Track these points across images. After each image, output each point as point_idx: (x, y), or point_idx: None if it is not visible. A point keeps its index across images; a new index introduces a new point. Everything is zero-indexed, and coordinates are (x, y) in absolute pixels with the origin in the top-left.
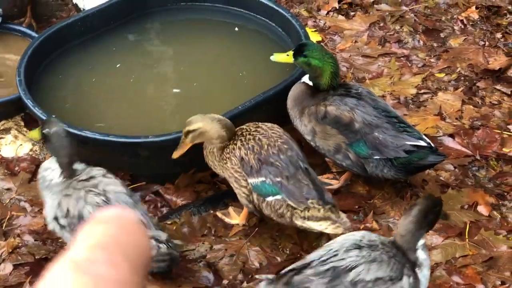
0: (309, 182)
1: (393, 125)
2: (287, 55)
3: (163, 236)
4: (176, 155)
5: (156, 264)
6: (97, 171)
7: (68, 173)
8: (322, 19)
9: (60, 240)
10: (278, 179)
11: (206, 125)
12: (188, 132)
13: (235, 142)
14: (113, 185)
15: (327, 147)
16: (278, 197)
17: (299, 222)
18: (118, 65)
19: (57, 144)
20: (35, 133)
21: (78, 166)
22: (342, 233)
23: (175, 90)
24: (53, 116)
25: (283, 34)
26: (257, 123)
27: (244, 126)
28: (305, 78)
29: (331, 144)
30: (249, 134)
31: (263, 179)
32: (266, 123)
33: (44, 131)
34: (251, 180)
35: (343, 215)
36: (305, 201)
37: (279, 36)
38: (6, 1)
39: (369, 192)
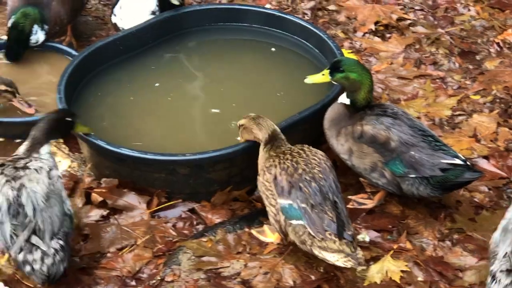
0: (333, 216)
1: (429, 144)
2: (323, 74)
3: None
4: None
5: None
6: (43, 163)
7: (30, 151)
8: (358, 41)
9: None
10: (303, 205)
11: (247, 122)
12: (239, 126)
13: (274, 159)
14: (36, 183)
15: (363, 165)
16: (301, 222)
17: (316, 251)
18: (156, 84)
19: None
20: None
21: (45, 150)
22: (351, 267)
23: (213, 110)
24: (92, 134)
25: (320, 54)
26: (303, 145)
27: (291, 146)
28: (342, 99)
29: (367, 163)
30: (290, 154)
31: (291, 202)
32: (312, 148)
33: None
34: (281, 201)
35: (359, 251)
36: (323, 232)
37: (316, 57)
38: (49, 19)
39: (402, 212)
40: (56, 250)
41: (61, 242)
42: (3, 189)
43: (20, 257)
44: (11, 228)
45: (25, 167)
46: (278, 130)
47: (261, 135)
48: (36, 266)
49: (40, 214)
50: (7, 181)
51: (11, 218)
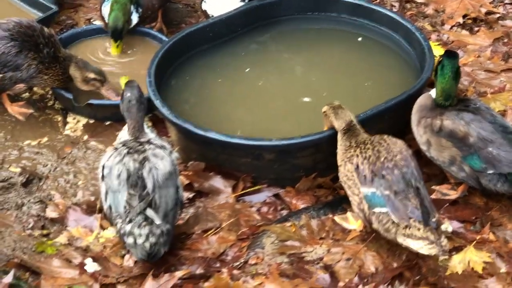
0: (417, 202)
1: (509, 141)
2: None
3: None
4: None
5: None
6: (157, 147)
7: (134, 134)
8: (445, 34)
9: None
10: (387, 192)
11: (328, 110)
12: (323, 112)
13: (355, 149)
14: (160, 160)
15: (441, 158)
16: (384, 209)
17: (400, 239)
18: (247, 70)
19: (126, 107)
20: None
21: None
22: (435, 255)
23: (305, 99)
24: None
25: (407, 46)
26: (383, 135)
27: (371, 137)
28: (432, 90)
29: (446, 156)
30: (370, 144)
31: (374, 190)
32: (392, 138)
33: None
34: (364, 189)
35: (444, 238)
36: (407, 219)
37: (402, 48)
38: (142, 3)
39: (486, 204)
40: (162, 232)
41: (168, 226)
42: (125, 159)
43: (128, 227)
44: (126, 198)
45: (149, 142)
46: (355, 121)
47: (337, 124)
48: (139, 241)
49: (158, 191)
50: (129, 152)
51: (129, 187)
